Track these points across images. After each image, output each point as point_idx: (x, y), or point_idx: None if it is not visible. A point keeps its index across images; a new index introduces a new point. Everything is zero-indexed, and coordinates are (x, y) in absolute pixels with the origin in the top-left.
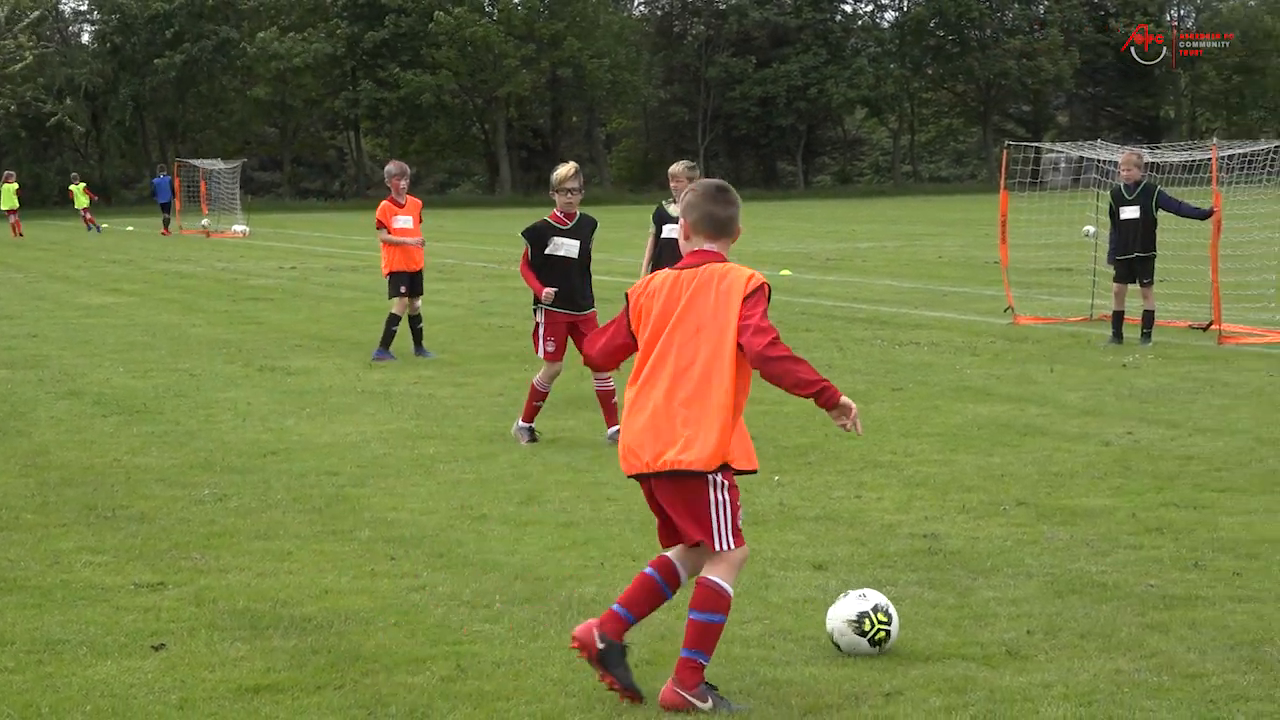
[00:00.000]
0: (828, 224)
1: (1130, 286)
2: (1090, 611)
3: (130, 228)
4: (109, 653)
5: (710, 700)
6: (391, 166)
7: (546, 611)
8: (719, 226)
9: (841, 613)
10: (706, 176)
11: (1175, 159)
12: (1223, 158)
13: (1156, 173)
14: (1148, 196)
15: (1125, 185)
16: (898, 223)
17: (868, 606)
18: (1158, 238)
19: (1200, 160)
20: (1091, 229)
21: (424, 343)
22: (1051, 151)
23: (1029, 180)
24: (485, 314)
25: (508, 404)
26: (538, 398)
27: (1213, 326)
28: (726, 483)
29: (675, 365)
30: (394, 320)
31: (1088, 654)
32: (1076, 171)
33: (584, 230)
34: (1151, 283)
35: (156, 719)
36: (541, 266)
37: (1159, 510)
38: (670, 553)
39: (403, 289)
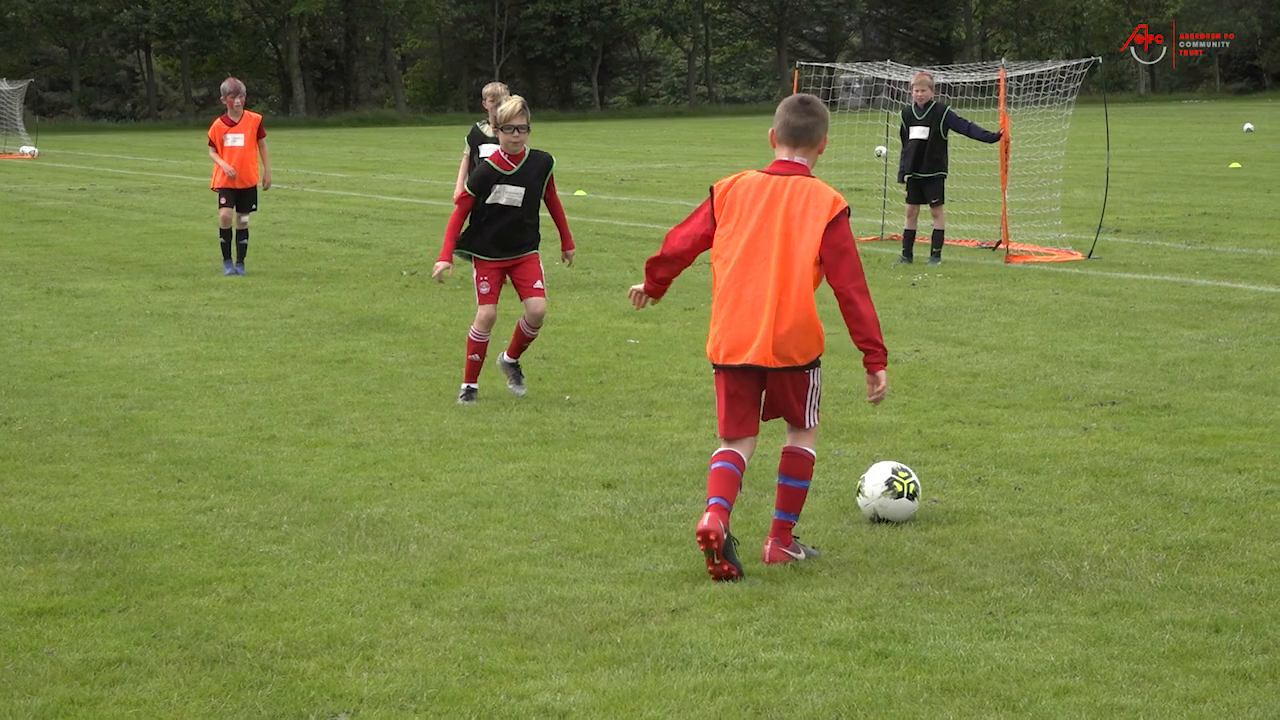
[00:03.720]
0: (623, 145)
1: (922, 207)
2: (874, 527)
3: None
4: None
5: (802, 552)
6: (226, 84)
7: (334, 532)
8: (795, 134)
9: (873, 490)
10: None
11: (966, 80)
12: (1012, 79)
13: (949, 94)
14: (936, 117)
15: (916, 105)
16: (693, 144)
17: (887, 473)
18: (949, 158)
19: (990, 81)
20: (883, 149)
21: (243, 261)
22: (845, 73)
23: (822, 101)
24: (277, 235)
25: (298, 325)
26: (474, 350)
27: (1001, 246)
28: (818, 371)
29: (773, 269)
30: (221, 234)
31: (871, 568)
32: (870, 92)
33: (531, 173)
34: (941, 202)
35: None
36: (482, 214)
37: (944, 427)
38: (735, 447)
39: (222, 201)
